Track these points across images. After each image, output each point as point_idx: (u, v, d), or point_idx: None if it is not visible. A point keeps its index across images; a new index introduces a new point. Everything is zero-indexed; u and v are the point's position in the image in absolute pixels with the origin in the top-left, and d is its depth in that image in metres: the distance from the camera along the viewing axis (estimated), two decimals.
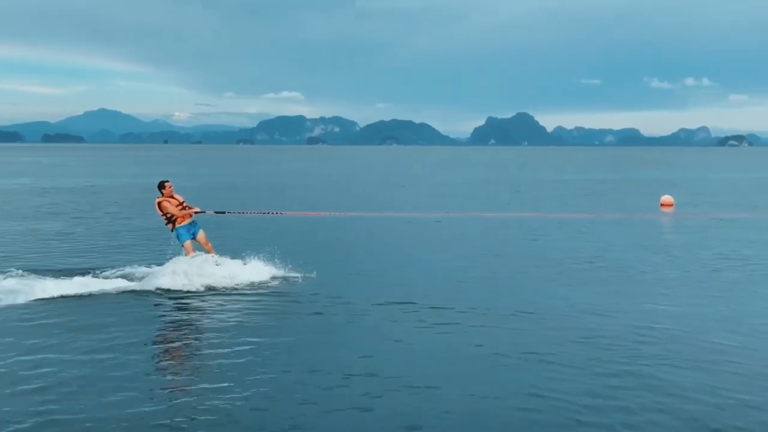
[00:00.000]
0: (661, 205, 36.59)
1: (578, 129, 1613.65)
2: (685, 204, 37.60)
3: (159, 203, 16.34)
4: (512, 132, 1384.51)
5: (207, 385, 9.42)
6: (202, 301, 14.50)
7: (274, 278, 16.10)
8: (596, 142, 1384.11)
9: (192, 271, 15.62)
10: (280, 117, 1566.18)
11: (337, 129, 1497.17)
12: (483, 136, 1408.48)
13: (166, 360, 11.03)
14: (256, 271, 16.19)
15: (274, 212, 23.32)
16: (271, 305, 13.93)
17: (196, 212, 16.62)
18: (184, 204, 16.56)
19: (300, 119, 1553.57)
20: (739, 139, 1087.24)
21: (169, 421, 8.26)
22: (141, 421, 8.27)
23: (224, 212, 19.36)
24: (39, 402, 8.83)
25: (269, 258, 16.76)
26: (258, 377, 9.71)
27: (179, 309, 13.99)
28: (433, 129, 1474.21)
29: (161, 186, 16.48)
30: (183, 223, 16.34)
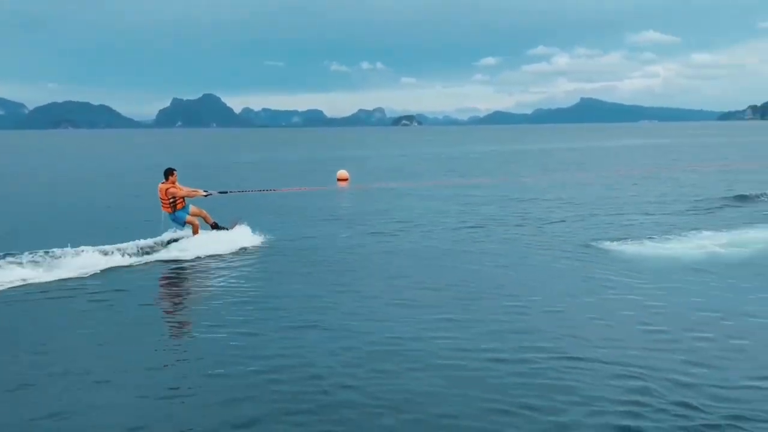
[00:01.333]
0: (338, 179, 39.46)
1: (265, 110, 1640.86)
2: (358, 177, 40.97)
3: (167, 189, 17.75)
4: (200, 114, 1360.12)
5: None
6: (200, 269, 15.84)
7: (260, 244, 18.15)
8: (283, 123, 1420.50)
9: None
10: None
11: (1, 112, 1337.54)
12: (169, 118, 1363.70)
13: (163, 333, 11.52)
14: (245, 238, 18.10)
15: (271, 189, 28.69)
16: (265, 270, 15.52)
17: (204, 194, 18.84)
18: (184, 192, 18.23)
19: None
20: (410, 119, 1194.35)
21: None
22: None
23: (227, 192, 21.77)
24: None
25: (257, 228, 18.74)
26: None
27: (176, 279, 15.17)
28: (115, 111, 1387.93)
29: (170, 173, 17.99)
30: (180, 207, 17.96)
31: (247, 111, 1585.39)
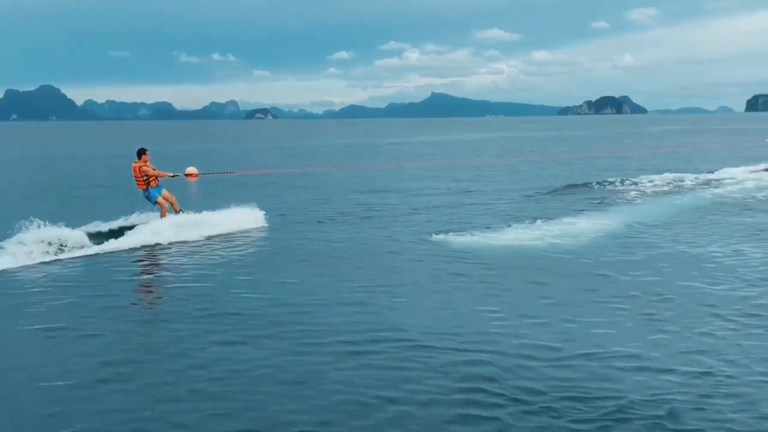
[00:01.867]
0: (186, 175, 38.32)
1: (110, 103, 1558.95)
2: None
3: (140, 167, 19.21)
4: (37, 106, 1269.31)
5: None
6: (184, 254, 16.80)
7: (246, 228, 19.66)
8: (130, 117, 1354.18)
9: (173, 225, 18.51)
10: None
11: None
12: (3, 110, 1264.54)
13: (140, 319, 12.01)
14: (228, 221, 19.49)
15: (230, 172, 30.94)
16: (252, 253, 16.80)
17: (171, 176, 20.42)
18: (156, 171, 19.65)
19: None
20: (265, 112, 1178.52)
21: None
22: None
23: (188, 175, 23.96)
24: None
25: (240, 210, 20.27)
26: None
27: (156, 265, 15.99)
28: None
29: (142, 152, 19.30)
30: (154, 185, 19.30)
31: (90, 103, 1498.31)
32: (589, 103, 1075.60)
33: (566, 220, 20.71)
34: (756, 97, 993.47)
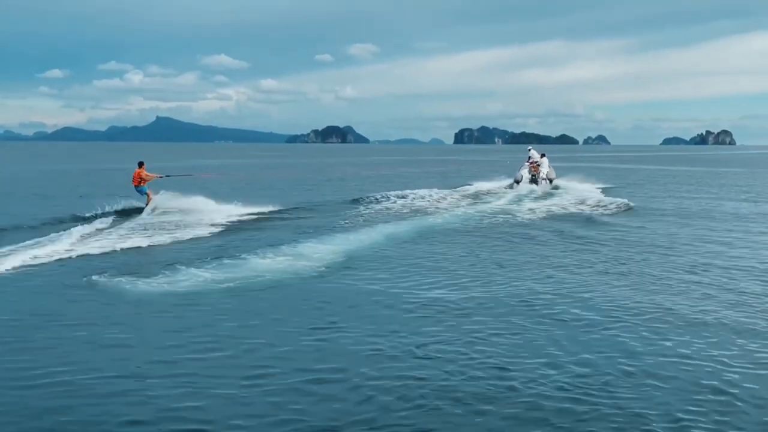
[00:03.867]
0: None
1: None
2: None
3: (141, 172, 29.12)
4: None
5: None
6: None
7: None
8: None
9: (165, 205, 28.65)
10: None
11: None
12: None
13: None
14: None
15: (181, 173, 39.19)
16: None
17: (159, 177, 30.47)
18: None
19: None
20: None
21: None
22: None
23: (169, 176, 32.27)
24: None
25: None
26: None
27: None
28: None
29: (142, 164, 29.55)
30: (144, 184, 29.19)
31: None
32: (316, 132, 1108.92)
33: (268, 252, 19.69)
34: (462, 131, 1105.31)
